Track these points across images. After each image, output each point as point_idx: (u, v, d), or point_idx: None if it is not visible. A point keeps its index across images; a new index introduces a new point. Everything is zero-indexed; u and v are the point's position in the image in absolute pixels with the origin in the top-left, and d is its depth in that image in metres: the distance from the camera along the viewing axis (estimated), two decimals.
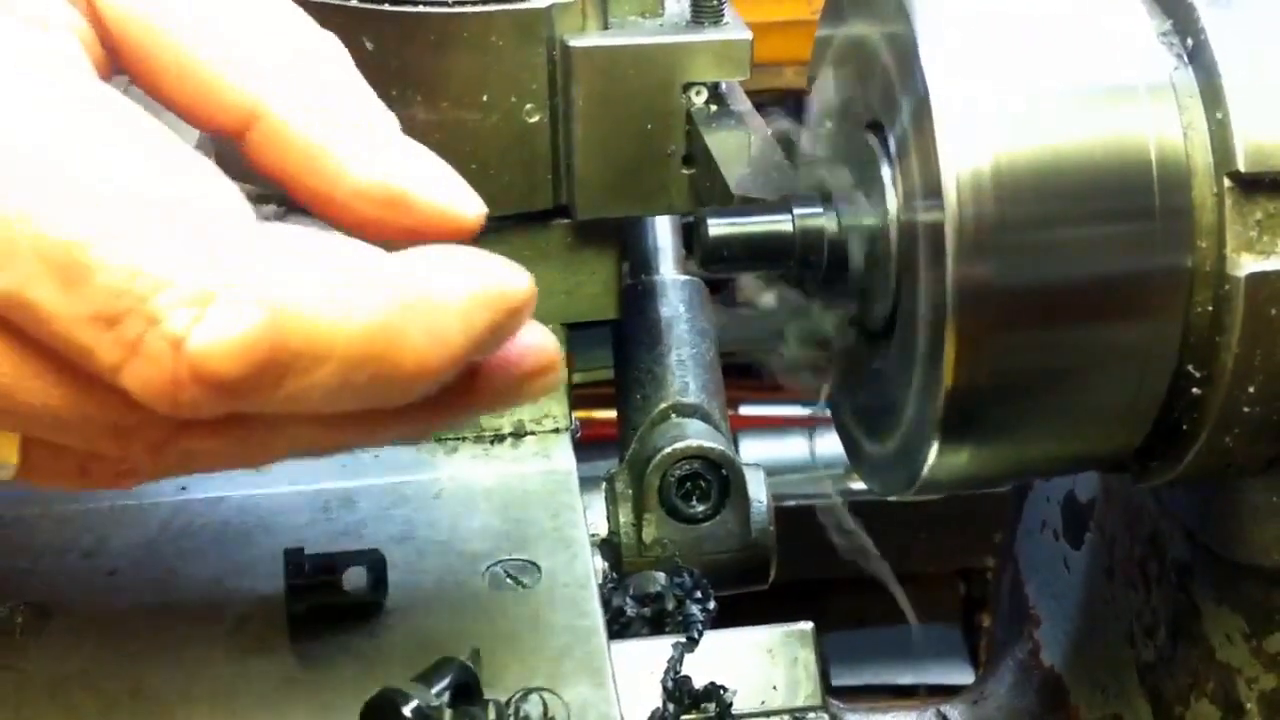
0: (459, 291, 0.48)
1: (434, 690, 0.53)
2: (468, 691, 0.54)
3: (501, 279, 0.49)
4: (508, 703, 0.56)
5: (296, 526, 0.67)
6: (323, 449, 0.53)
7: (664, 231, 0.91)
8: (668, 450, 0.75)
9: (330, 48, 0.54)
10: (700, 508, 0.76)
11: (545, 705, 0.56)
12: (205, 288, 0.44)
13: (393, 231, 0.52)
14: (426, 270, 0.48)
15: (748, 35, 0.66)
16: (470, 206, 0.52)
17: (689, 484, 0.75)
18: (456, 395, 0.51)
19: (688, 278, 0.88)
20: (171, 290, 0.43)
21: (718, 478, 0.75)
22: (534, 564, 0.65)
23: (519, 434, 0.74)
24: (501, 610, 0.62)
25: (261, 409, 0.47)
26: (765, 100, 0.71)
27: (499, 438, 0.74)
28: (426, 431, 0.64)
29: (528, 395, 0.53)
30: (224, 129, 0.52)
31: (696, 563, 0.75)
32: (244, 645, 0.60)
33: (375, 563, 0.61)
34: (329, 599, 0.60)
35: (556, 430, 0.75)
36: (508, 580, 0.64)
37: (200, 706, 0.58)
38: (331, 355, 0.46)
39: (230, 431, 0.49)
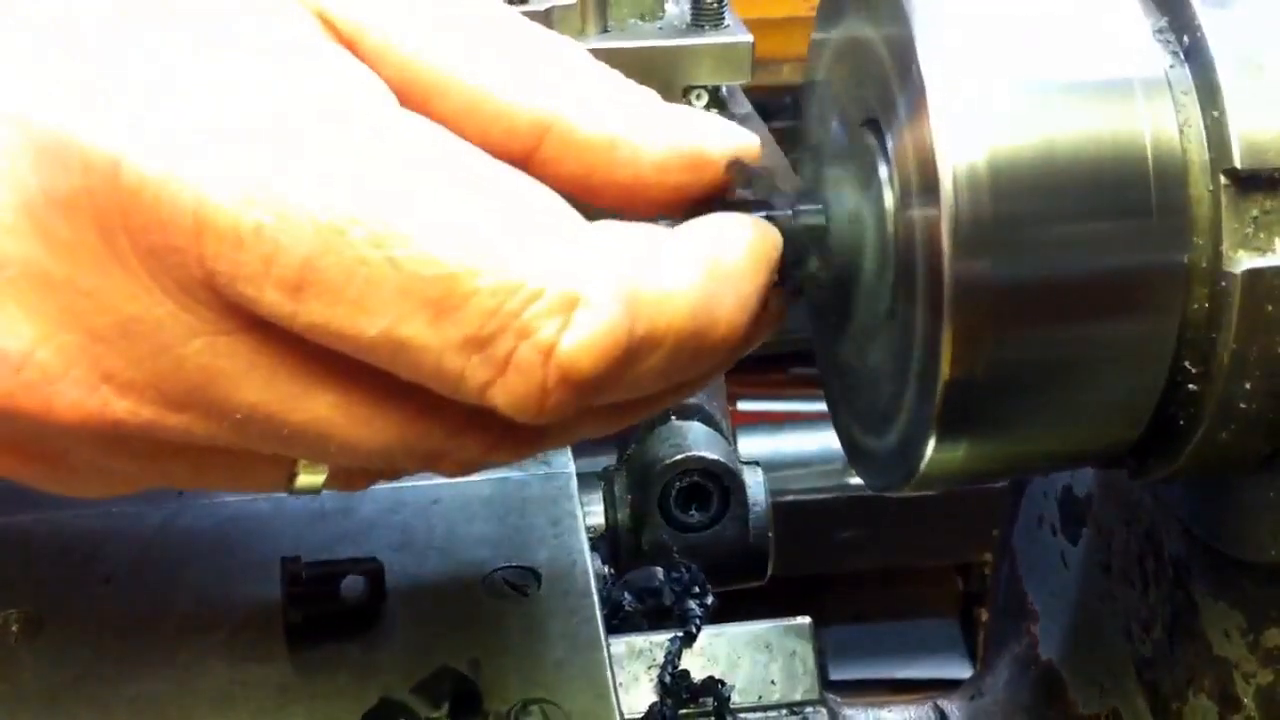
0: (741, 248, 0.49)
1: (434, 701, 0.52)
2: (468, 702, 0.53)
3: (764, 227, 0.50)
4: (508, 713, 0.55)
5: (294, 533, 0.66)
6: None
7: None
8: (668, 461, 0.75)
9: (567, 43, 0.54)
10: (700, 516, 0.75)
11: (546, 717, 0.55)
12: (569, 290, 0.44)
13: (698, 192, 0.52)
14: (717, 233, 0.48)
15: (748, 38, 0.66)
16: (751, 139, 0.53)
17: (689, 493, 0.75)
18: None
19: None
20: (541, 300, 0.43)
21: (719, 488, 0.75)
22: (533, 571, 0.65)
23: None
24: (501, 618, 0.62)
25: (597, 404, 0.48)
26: (763, 97, 0.70)
27: None
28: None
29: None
30: (511, 153, 0.51)
31: (694, 561, 0.75)
32: (241, 653, 0.60)
33: (373, 571, 0.61)
34: (326, 607, 0.60)
35: None
36: (507, 588, 0.64)
37: (196, 715, 0.57)
38: (667, 336, 0.46)
39: (531, 445, 0.50)
